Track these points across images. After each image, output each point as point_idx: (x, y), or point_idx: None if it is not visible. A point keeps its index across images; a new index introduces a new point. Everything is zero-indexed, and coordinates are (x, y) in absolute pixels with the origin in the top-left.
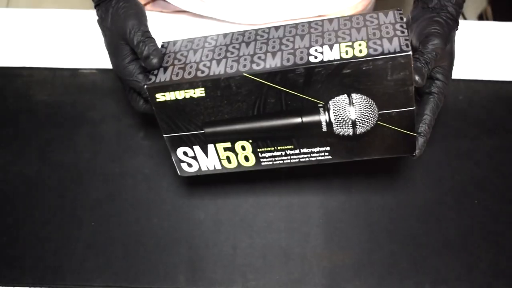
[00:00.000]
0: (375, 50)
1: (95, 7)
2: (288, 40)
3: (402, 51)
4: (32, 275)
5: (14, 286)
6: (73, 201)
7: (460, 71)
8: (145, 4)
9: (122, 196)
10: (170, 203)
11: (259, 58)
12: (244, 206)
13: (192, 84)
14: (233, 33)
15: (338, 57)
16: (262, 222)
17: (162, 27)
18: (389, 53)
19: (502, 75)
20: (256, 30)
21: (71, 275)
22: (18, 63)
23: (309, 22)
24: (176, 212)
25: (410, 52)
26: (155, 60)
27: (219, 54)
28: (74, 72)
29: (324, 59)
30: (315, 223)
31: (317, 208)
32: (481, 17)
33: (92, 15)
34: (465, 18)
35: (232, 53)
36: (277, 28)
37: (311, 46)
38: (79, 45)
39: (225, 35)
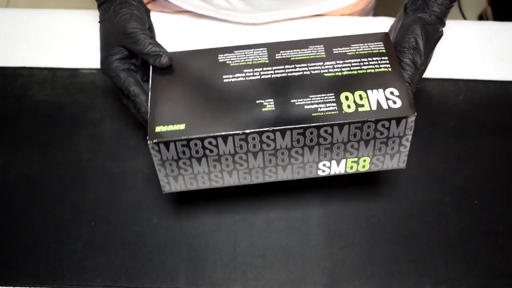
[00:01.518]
0: (376, 165)
1: (98, 6)
2: (296, 152)
3: (398, 167)
4: (32, 275)
5: (14, 286)
6: (73, 201)
7: (460, 71)
8: (145, 4)
9: (122, 196)
10: (170, 203)
11: (270, 171)
12: (244, 206)
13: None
14: (233, 137)
15: (343, 171)
16: (262, 222)
17: (162, 27)
18: (387, 168)
19: (502, 75)
20: (260, 134)
21: (71, 275)
22: (18, 63)
23: (318, 128)
24: (176, 212)
25: (404, 167)
26: (165, 59)
27: (228, 166)
28: (74, 72)
29: (331, 173)
30: (315, 223)
31: (317, 208)
32: (481, 17)
33: (92, 15)
34: (465, 18)
35: (241, 165)
36: (283, 133)
37: (320, 160)
38: (79, 45)
39: (224, 139)
